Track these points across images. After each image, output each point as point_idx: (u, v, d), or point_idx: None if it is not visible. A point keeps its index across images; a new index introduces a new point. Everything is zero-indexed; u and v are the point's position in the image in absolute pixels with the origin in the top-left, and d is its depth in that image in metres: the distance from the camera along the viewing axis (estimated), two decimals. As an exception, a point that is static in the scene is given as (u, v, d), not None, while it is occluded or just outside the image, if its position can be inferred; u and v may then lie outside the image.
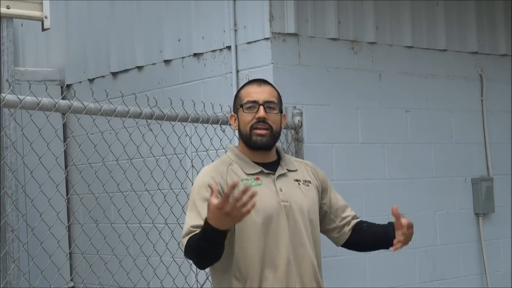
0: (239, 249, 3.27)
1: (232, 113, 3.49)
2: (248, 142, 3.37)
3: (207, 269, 3.35)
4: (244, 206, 2.89)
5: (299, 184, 3.45)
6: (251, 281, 3.25)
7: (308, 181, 3.49)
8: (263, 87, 3.43)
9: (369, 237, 3.57)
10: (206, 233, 3.02)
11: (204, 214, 3.09)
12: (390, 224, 3.45)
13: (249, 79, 3.68)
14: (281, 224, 3.32)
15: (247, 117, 3.36)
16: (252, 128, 3.35)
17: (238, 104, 3.43)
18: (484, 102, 6.76)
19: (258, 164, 3.40)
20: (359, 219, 3.64)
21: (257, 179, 3.35)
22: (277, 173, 3.41)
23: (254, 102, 3.37)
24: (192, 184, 3.40)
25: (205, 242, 3.06)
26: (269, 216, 3.30)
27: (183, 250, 3.22)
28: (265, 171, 3.39)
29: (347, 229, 3.59)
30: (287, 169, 3.46)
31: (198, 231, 3.13)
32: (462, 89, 6.65)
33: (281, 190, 3.37)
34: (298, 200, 3.40)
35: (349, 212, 3.62)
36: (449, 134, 6.52)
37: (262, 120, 3.34)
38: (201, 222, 3.11)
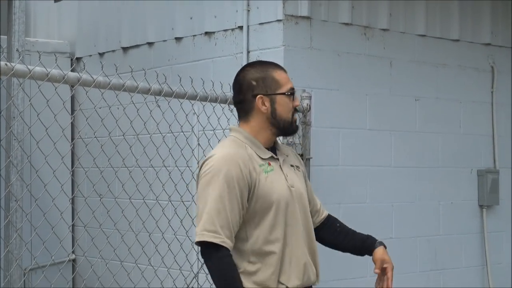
0: (260, 235, 3.22)
1: (262, 95, 3.33)
2: (289, 128, 3.38)
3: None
4: None
5: (294, 169, 3.45)
6: (270, 269, 3.23)
7: (298, 167, 3.50)
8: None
9: (347, 241, 3.65)
10: None
11: (232, 216, 3.13)
12: (368, 238, 3.64)
13: (263, 60, 3.60)
14: (296, 210, 3.32)
15: (290, 105, 3.36)
16: (293, 115, 3.37)
17: (277, 88, 3.34)
18: (495, 94, 6.74)
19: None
20: (328, 214, 3.67)
21: (269, 164, 3.32)
22: (280, 158, 3.40)
23: (294, 89, 3.39)
24: (206, 163, 3.23)
25: None
26: (286, 202, 3.29)
27: (200, 246, 3.16)
28: (274, 156, 3.37)
29: (317, 220, 3.61)
30: (284, 155, 3.45)
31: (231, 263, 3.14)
32: (473, 80, 6.62)
33: (287, 175, 3.36)
34: (298, 186, 3.40)
35: (319, 204, 3.64)
36: (457, 124, 6.50)
37: (296, 109, 3.41)
38: (229, 231, 3.13)
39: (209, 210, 3.14)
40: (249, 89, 3.34)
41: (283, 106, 3.34)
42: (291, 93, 3.36)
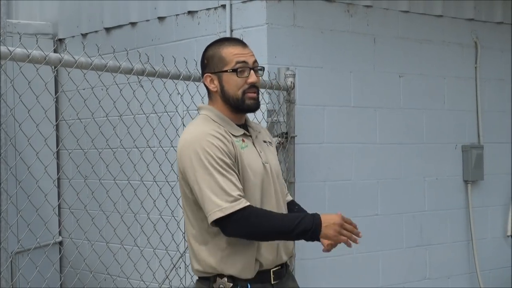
0: None
1: (209, 73, 3.30)
2: (240, 106, 3.27)
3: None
4: (351, 239, 3.24)
5: (267, 145, 3.43)
6: (247, 249, 3.20)
7: (270, 142, 3.48)
8: (247, 49, 3.32)
9: None
10: (307, 226, 3.11)
11: (237, 181, 3.11)
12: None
13: (227, 37, 3.55)
14: (270, 187, 3.30)
15: (239, 81, 3.26)
16: (245, 92, 3.27)
17: (222, 65, 3.26)
18: (478, 70, 6.75)
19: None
20: (292, 199, 3.66)
21: (243, 141, 3.28)
22: (253, 134, 3.37)
23: (245, 63, 3.27)
24: (185, 145, 3.22)
25: (294, 230, 3.11)
26: (261, 179, 3.26)
27: (237, 216, 3.08)
28: (247, 133, 3.34)
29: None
30: (256, 131, 3.42)
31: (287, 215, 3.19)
32: (456, 55, 6.63)
33: (261, 152, 3.34)
34: (272, 162, 3.39)
35: (285, 187, 3.61)
36: (441, 100, 6.51)
37: (253, 85, 3.28)
38: (240, 191, 3.11)
39: (216, 185, 3.09)
40: (202, 68, 3.36)
41: (229, 84, 3.26)
42: (234, 69, 3.26)
